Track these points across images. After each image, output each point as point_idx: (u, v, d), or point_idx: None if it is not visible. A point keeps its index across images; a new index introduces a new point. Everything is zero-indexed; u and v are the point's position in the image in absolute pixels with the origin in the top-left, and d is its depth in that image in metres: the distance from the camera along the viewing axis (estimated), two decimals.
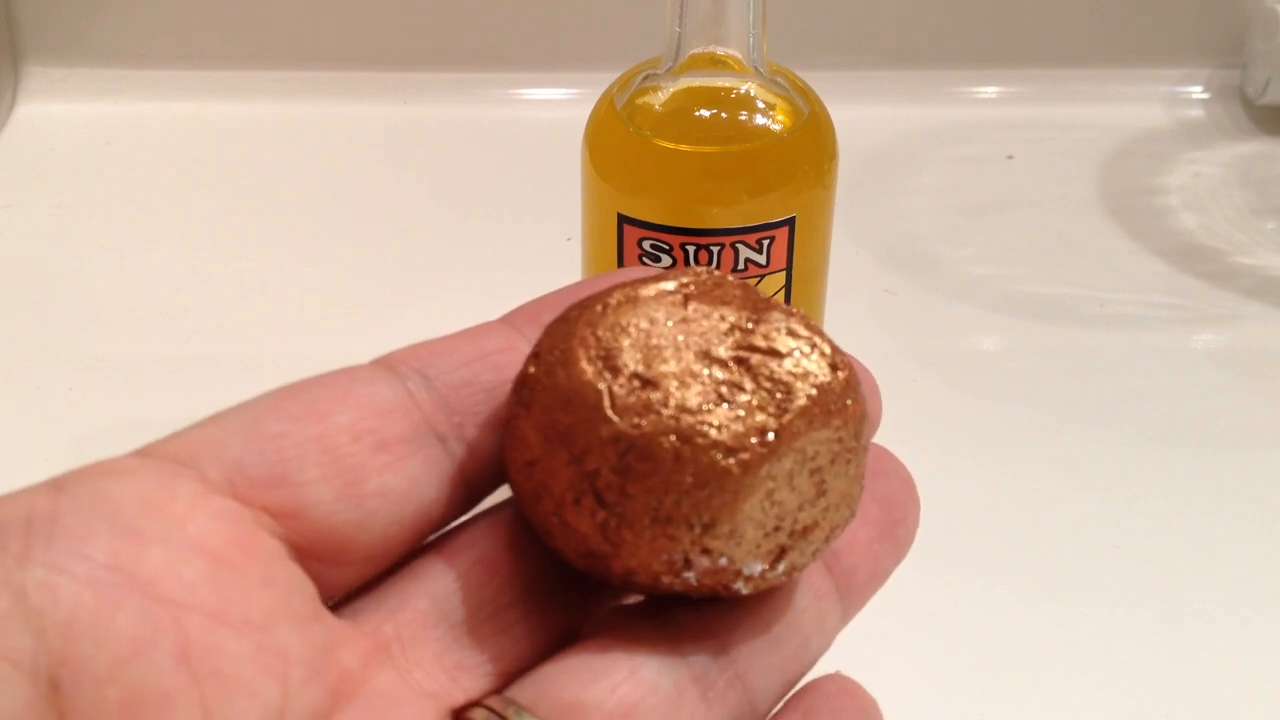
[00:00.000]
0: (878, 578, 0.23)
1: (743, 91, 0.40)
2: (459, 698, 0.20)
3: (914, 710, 0.39)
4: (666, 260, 0.39)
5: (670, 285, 0.21)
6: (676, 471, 0.19)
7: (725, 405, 0.19)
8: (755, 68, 0.39)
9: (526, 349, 0.22)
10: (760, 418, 0.20)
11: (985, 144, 0.63)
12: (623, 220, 0.39)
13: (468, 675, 0.20)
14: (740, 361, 0.20)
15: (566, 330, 0.21)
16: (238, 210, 0.59)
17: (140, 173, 0.61)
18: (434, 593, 0.21)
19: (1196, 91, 0.66)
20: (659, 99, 0.40)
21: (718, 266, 0.39)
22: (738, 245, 0.39)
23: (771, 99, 0.40)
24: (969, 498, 0.46)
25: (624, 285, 0.21)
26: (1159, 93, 0.66)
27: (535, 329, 0.22)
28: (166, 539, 0.18)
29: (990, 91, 0.66)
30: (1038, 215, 0.59)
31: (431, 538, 0.22)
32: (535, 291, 0.23)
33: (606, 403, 0.20)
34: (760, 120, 0.40)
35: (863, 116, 0.59)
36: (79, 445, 0.45)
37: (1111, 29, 0.66)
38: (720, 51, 0.39)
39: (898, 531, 0.24)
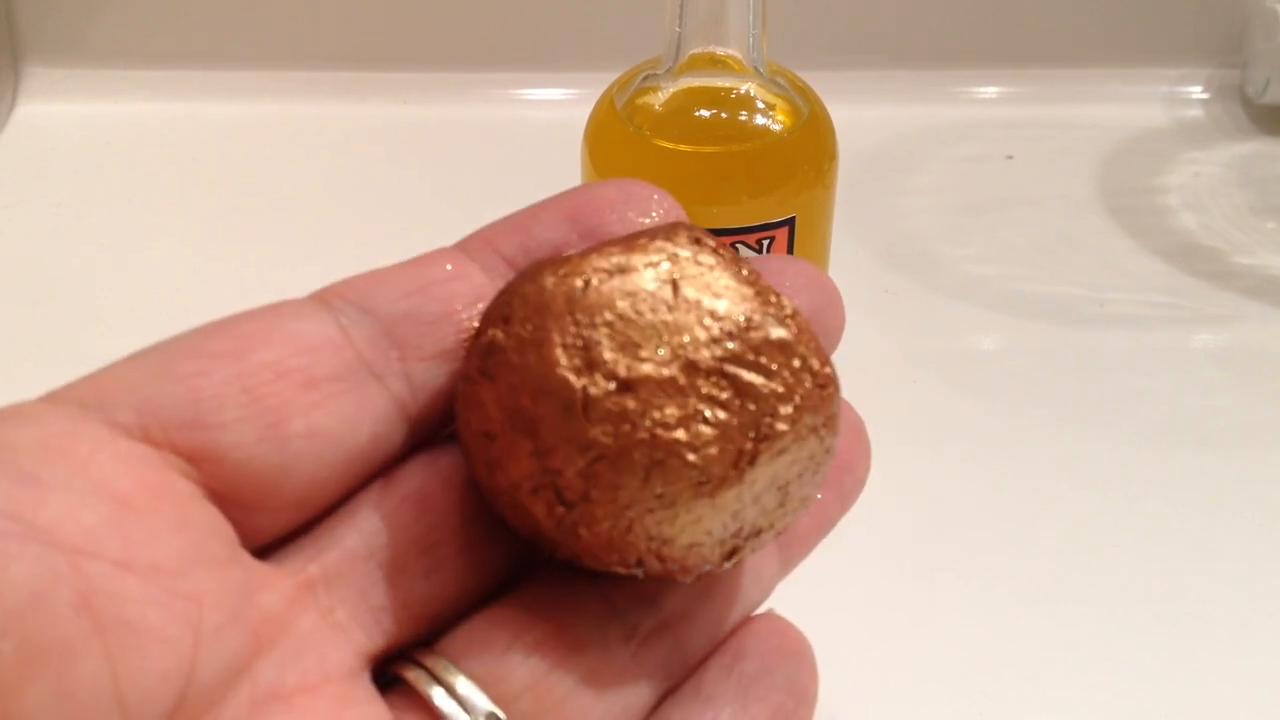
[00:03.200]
0: (820, 527, 0.22)
1: (743, 91, 0.40)
2: (380, 641, 0.20)
3: (914, 710, 0.39)
4: None
5: (659, 259, 0.19)
6: (644, 489, 0.19)
7: (703, 424, 0.19)
8: (755, 68, 0.39)
9: (479, 277, 0.21)
10: (737, 440, 0.19)
11: (985, 143, 0.63)
12: None
13: (390, 616, 0.20)
14: (724, 375, 0.19)
15: (541, 302, 0.19)
16: (238, 210, 0.59)
17: (140, 173, 0.61)
18: (363, 530, 0.20)
19: (1196, 91, 0.66)
20: (659, 99, 0.40)
21: None
22: (738, 245, 0.39)
23: (771, 99, 0.40)
24: (968, 497, 0.46)
25: (607, 253, 0.19)
26: (1159, 92, 0.66)
27: (490, 255, 0.21)
28: (67, 484, 0.17)
29: (990, 91, 0.66)
30: (1037, 215, 0.59)
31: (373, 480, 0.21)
32: None
33: (579, 404, 0.18)
34: (760, 120, 0.40)
35: (862, 116, 0.59)
36: None
37: (1111, 29, 0.66)
38: (720, 51, 0.39)
39: (843, 479, 0.22)
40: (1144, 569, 0.43)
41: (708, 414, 0.19)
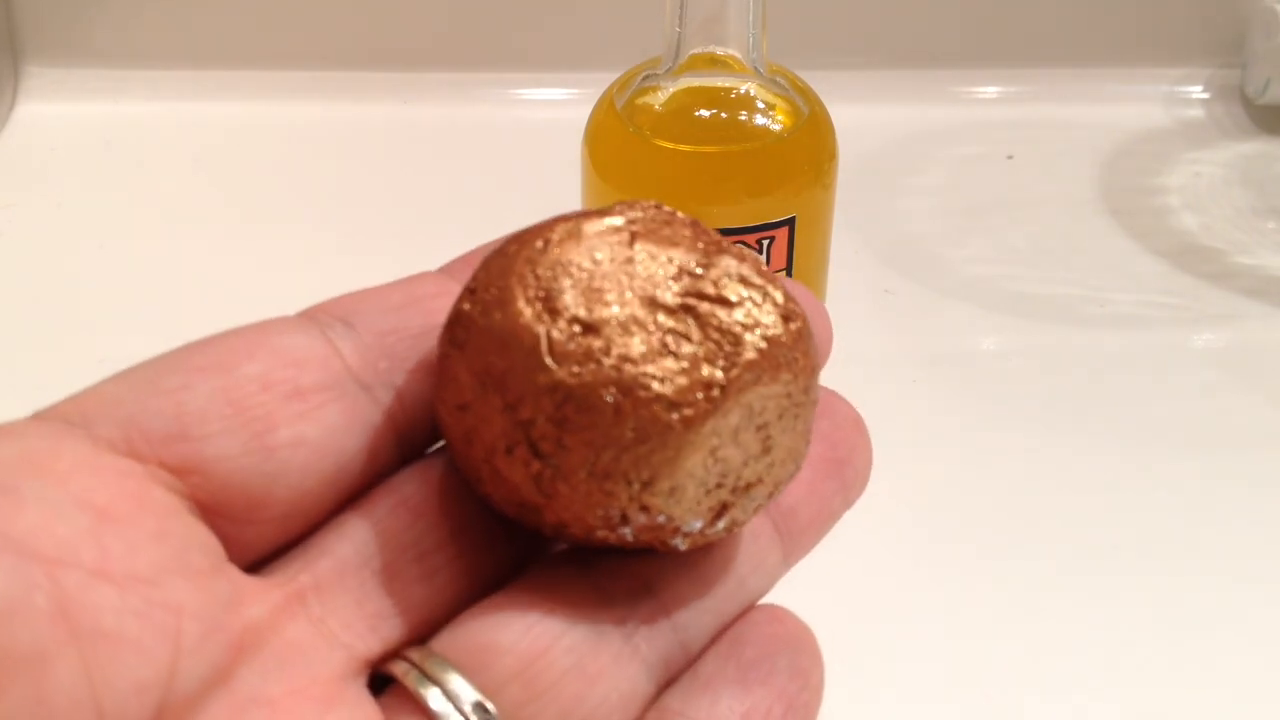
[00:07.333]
0: (822, 519, 0.22)
1: (742, 92, 0.40)
2: (376, 647, 0.19)
3: (914, 710, 0.39)
4: None
5: (618, 221, 0.20)
6: (616, 425, 0.18)
7: (670, 357, 0.18)
8: (755, 68, 0.39)
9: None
10: (706, 371, 0.19)
11: (985, 144, 0.63)
12: None
13: (387, 623, 0.20)
14: (688, 309, 0.19)
15: (504, 266, 0.19)
16: (238, 210, 0.59)
17: (140, 173, 0.61)
18: (355, 538, 0.20)
19: (1196, 91, 0.66)
20: (659, 99, 0.40)
21: None
22: (738, 245, 0.39)
23: (771, 99, 0.40)
24: (968, 496, 0.46)
25: (567, 220, 0.20)
26: (1159, 92, 0.66)
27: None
28: (44, 497, 0.17)
29: (990, 91, 0.66)
30: (1038, 215, 0.60)
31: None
32: None
33: (544, 348, 0.18)
34: (760, 120, 0.40)
35: (862, 116, 0.59)
36: None
37: (1111, 29, 0.66)
38: (720, 51, 0.39)
39: (843, 471, 0.22)
40: (1145, 569, 0.43)
41: (673, 346, 0.19)
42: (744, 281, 0.19)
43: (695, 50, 0.39)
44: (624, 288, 0.19)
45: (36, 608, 0.16)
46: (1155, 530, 0.45)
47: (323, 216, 0.59)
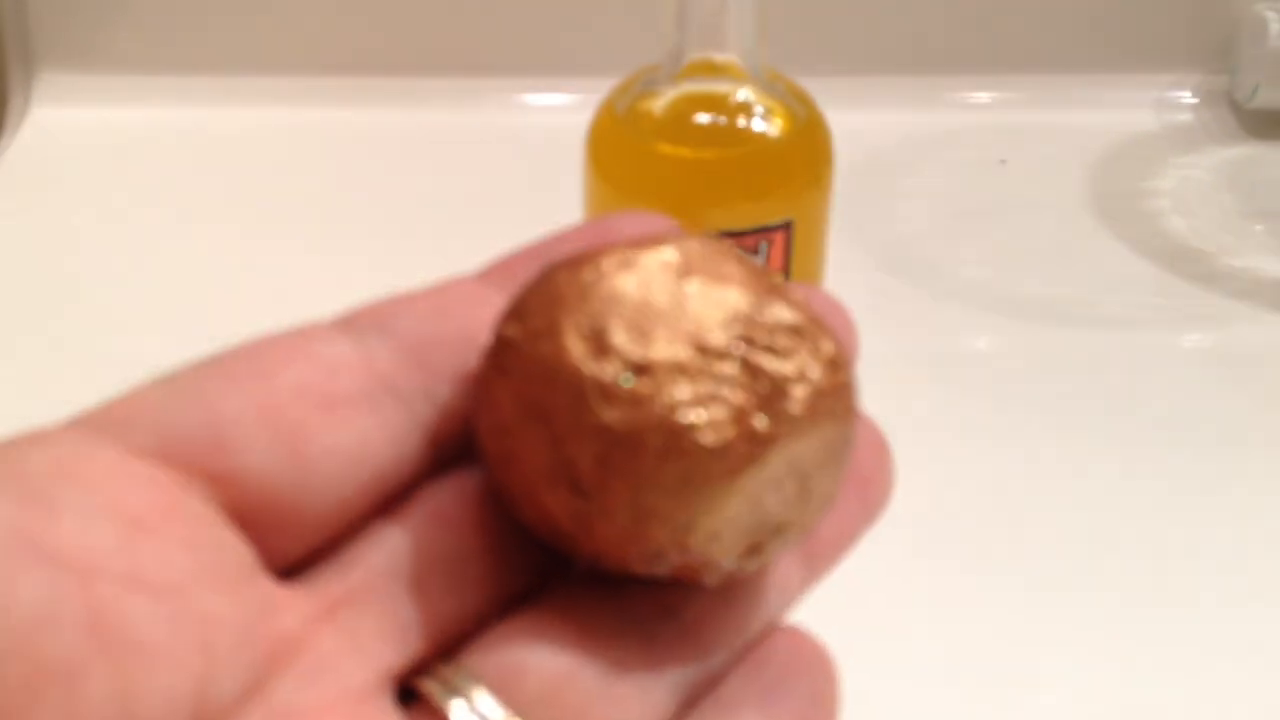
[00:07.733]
0: (844, 539, 0.22)
1: (741, 97, 0.40)
2: (405, 659, 0.19)
3: (912, 709, 0.39)
4: None
5: (671, 255, 0.19)
6: (660, 470, 0.18)
7: (717, 404, 0.18)
8: (753, 74, 0.40)
9: (499, 303, 0.20)
10: (752, 421, 0.18)
11: (979, 149, 0.63)
12: None
13: (416, 635, 0.19)
14: (737, 355, 0.19)
15: (553, 295, 0.19)
16: (249, 215, 0.59)
17: (153, 178, 0.61)
18: (387, 548, 0.19)
19: (1186, 96, 0.66)
20: (659, 104, 0.40)
21: None
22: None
23: (769, 104, 0.40)
24: (964, 496, 0.46)
25: (617, 250, 0.20)
26: (1149, 98, 0.66)
27: (509, 282, 0.21)
28: (77, 506, 0.17)
29: (984, 97, 0.66)
30: (1031, 219, 0.60)
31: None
32: None
33: (592, 388, 0.18)
34: (758, 125, 0.40)
35: (858, 121, 0.60)
36: None
37: (1103, 36, 0.66)
38: (719, 58, 0.39)
39: (866, 491, 0.22)
40: (1136, 568, 0.43)
41: (721, 395, 0.18)
42: (794, 330, 0.19)
43: (695, 56, 0.39)
44: (675, 328, 0.19)
45: (69, 618, 0.16)
46: (1146, 528, 0.45)
47: (334, 220, 0.59)
